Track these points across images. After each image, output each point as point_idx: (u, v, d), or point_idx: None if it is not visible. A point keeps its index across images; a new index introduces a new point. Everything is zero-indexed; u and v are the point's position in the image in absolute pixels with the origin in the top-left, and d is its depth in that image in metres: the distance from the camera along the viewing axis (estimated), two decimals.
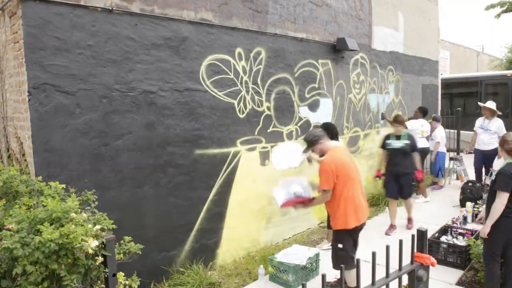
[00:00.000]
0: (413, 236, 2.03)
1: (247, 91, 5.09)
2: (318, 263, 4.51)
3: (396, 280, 1.94)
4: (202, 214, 4.69)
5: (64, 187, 3.02)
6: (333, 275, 4.36)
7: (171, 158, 4.34)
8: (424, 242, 2.08)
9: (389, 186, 5.97)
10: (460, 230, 5.19)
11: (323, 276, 1.60)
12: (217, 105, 4.75)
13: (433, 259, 2.04)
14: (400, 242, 1.95)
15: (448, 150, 8.85)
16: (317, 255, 4.50)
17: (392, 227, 5.98)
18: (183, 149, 4.45)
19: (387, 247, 1.88)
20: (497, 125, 7.42)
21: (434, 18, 10.14)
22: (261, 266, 4.62)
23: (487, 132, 7.47)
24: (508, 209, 3.61)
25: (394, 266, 1.94)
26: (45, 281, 2.27)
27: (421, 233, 2.08)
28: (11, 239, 2.20)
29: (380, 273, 1.87)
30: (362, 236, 4.84)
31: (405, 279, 2.07)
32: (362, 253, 4.72)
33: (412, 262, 2.03)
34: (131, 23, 3.94)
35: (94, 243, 2.29)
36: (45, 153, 3.47)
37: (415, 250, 2.05)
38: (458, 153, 9.21)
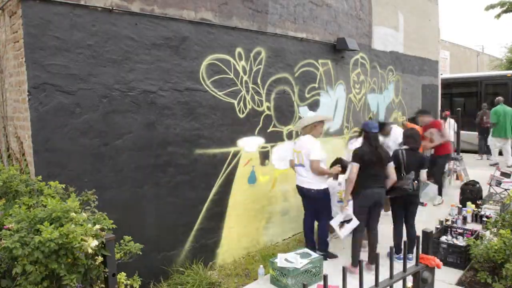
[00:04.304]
0: (418, 237, 2.01)
1: (247, 91, 5.09)
2: (322, 268, 4.48)
3: (400, 282, 1.93)
4: (202, 214, 4.69)
5: (64, 186, 3.02)
6: (335, 279, 4.36)
7: (171, 158, 4.34)
8: (429, 244, 2.05)
9: None
10: (460, 230, 5.19)
11: (325, 277, 1.59)
12: (217, 105, 4.75)
13: (438, 261, 2.01)
14: (404, 243, 1.94)
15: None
16: (320, 259, 4.48)
17: None
18: (183, 149, 4.44)
19: (391, 248, 1.87)
20: None
21: (434, 18, 10.14)
22: (261, 266, 4.62)
23: None
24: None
25: (398, 267, 1.93)
26: (45, 281, 2.27)
27: (426, 234, 2.06)
28: (11, 238, 2.20)
29: (385, 274, 1.86)
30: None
31: (409, 281, 2.06)
32: (364, 254, 4.74)
33: (417, 263, 2.01)
34: (131, 23, 3.93)
35: (93, 242, 2.29)
36: (45, 153, 3.46)
37: (420, 252, 2.03)
38: (458, 153, 9.20)
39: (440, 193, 7.42)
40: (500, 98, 10.94)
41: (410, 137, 4.97)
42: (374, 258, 4.30)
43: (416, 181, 4.78)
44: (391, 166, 4.65)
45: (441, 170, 7.51)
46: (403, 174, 4.72)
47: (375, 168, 4.50)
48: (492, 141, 10.79)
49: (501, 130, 10.43)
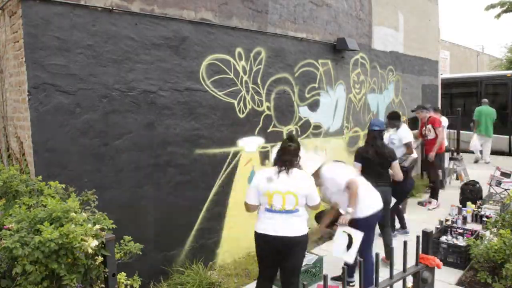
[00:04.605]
0: (418, 237, 2.01)
1: (247, 91, 5.09)
2: (322, 268, 4.48)
3: (400, 282, 1.93)
4: (202, 214, 4.69)
5: (64, 186, 3.02)
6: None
7: (171, 158, 4.34)
8: (429, 244, 2.05)
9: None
10: (460, 230, 5.19)
11: (325, 277, 1.59)
12: (217, 105, 4.75)
13: (438, 261, 2.01)
14: (405, 243, 1.94)
15: (447, 150, 8.84)
16: (320, 260, 4.48)
17: None
18: (183, 149, 4.44)
19: (391, 248, 1.87)
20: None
21: (434, 18, 10.14)
22: None
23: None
24: None
25: (398, 267, 1.92)
26: (45, 281, 2.27)
27: (426, 234, 2.06)
28: (11, 238, 2.20)
29: (385, 274, 1.86)
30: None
31: (409, 281, 2.06)
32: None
33: (417, 263, 2.01)
34: (131, 23, 3.93)
35: (93, 242, 2.28)
36: (45, 153, 3.46)
37: (420, 252, 2.03)
38: (458, 153, 9.21)
39: (436, 196, 7.36)
40: (485, 99, 11.63)
41: None
42: (389, 253, 4.47)
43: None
44: (394, 164, 4.61)
45: (436, 170, 7.51)
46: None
47: (378, 167, 4.51)
48: (477, 138, 11.23)
49: (483, 128, 11.23)
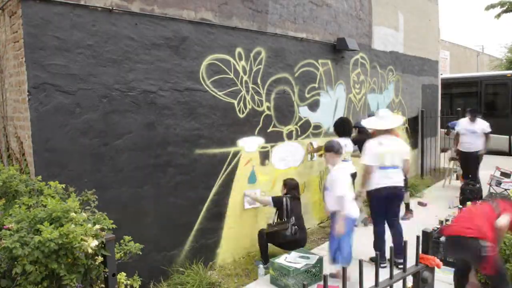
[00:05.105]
0: (418, 237, 2.01)
1: (247, 91, 5.09)
2: (322, 268, 4.48)
3: (401, 282, 1.93)
4: (202, 214, 4.69)
5: (64, 186, 3.02)
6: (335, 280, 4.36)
7: (171, 158, 4.34)
8: (429, 244, 2.06)
9: None
10: None
11: (325, 277, 1.59)
12: (217, 105, 4.75)
13: (438, 261, 2.02)
14: (405, 243, 1.94)
15: (443, 150, 8.83)
16: (320, 260, 4.48)
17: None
18: (183, 149, 4.45)
19: (391, 248, 1.87)
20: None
21: (434, 18, 10.15)
22: (261, 266, 4.62)
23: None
24: None
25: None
26: (45, 281, 2.27)
27: (426, 234, 2.06)
28: (11, 238, 2.20)
29: (385, 275, 1.86)
30: (366, 236, 4.82)
31: (409, 281, 2.06)
32: (365, 253, 4.73)
33: (417, 263, 2.01)
34: (131, 23, 3.94)
35: (93, 242, 2.29)
36: (45, 153, 3.46)
37: (420, 252, 2.03)
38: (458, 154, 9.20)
39: None
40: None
41: (293, 188, 5.06)
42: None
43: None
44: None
45: None
46: (284, 219, 4.80)
47: None
48: None
49: None
